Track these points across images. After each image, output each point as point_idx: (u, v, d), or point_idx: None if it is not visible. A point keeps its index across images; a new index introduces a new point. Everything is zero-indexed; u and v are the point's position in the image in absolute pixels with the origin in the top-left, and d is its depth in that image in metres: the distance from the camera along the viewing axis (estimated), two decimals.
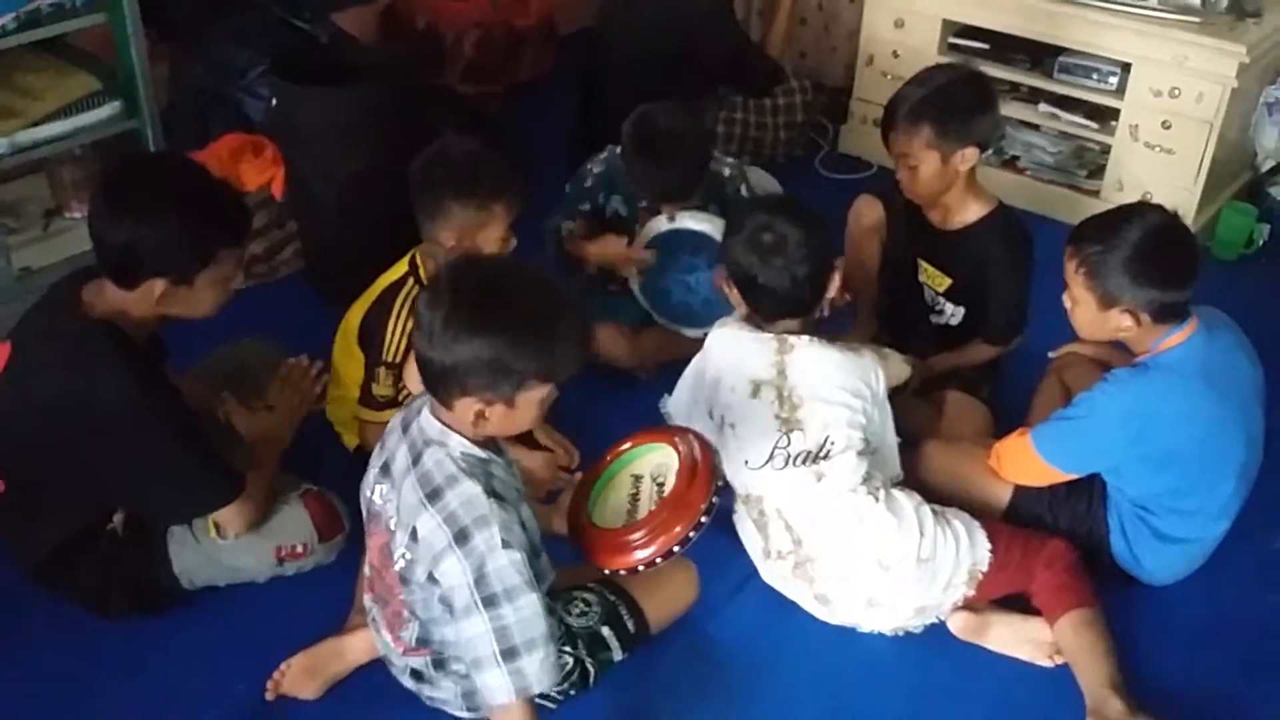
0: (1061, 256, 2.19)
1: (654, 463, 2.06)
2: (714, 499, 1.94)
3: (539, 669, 1.71)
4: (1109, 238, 2.09)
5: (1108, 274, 2.09)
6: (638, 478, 2.06)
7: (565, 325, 1.70)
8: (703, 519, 1.92)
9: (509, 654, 1.69)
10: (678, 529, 1.91)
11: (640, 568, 1.94)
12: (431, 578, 1.72)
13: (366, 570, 1.98)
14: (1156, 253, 2.08)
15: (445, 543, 1.69)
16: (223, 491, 2.09)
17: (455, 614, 1.71)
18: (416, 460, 1.77)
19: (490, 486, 1.73)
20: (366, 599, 2.00)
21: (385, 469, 1.84)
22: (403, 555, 1.77)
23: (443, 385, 1.70)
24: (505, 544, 1.69)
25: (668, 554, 1.92)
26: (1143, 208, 2.21)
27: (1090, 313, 2.15)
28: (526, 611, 1.70)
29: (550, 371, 1.70)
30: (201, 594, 2.20)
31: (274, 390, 2.29)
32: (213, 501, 2.09)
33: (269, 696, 2.04)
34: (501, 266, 1.88)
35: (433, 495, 1.72)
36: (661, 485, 2.01)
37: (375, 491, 1.85)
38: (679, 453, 2.00)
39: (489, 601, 1.68)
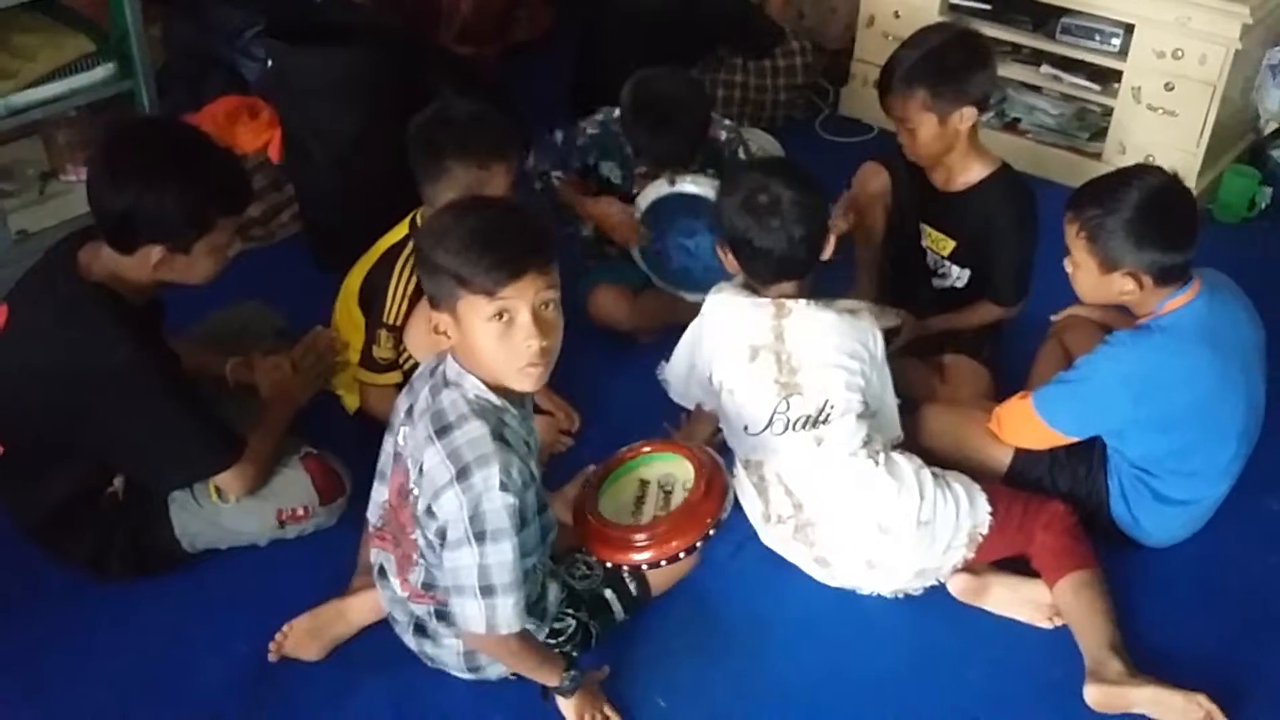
0: (1062, 219, 2.18)
1: (662, 471, 2.10)
2: (722, 516, 1.99)
3: (510, 612, 1.77)
4: (1109, 201, 2.08)
5: (1109, 237, 2.08)
6: (645, 482, 2.10)
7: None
8: (710, 531, 1.98)
9: (487, 590, 1.75)
10: (675, 542, 1.97)
11: (644, 567, 2.00)
12: (430, 511, 1.75)
13: (374, 520, 1.98)
14: (1157, 214, 2.07)
15: (448, 478, 1.72)
16: (221, 455, 2.09)
17: (446, 544, 1.75)
18: (435, 398, 1.79)
19: (499, 431, 1.75)
20: (374, 551, 2.00)
21: (410, 411, 1.85)
22: (413, 491, 1.79)
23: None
24: (503, 485, 1.71)
25: (657, 563, 1.99)
26: (1142, 170, 2.20)
27: (1092, 277, 2.14)
28: (507, 556, 1.74)
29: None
30: (203, 556, 2.20)
31: (298, 351, 2.32)
32: (211, 465, 2.09)
33: (272, 658, 2.05)
34: None
35: (441, 431, 1.74)
36: (669, 493, 2.06)
37: (400, 434, 1.86)
38: (695, 464, 2.04)
39: (479, 538, 1.73)
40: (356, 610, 2.08)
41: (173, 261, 1.98)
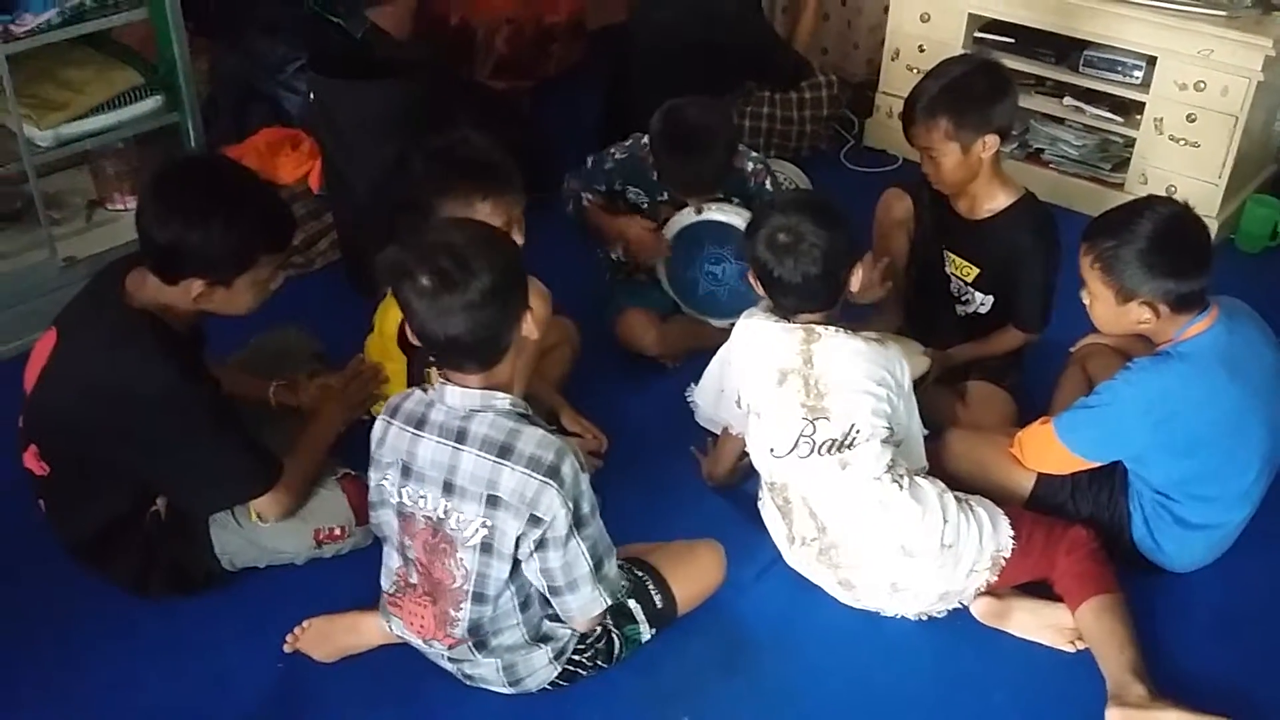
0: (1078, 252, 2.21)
1: None
2: None
3: (615, 572, 1.96)
4: (1122, 232, 2.11)
5: (1124, 267, 2.11)
6: None
7: None
8: None
9: (598, 565, 1.89)
10: None
11: None
12: (534, 519, 1.80)
13: (387, 586, 2.01)
14: (1170, 243, 2.10)
15: (538, 485, 1.79)
16: (259, 480, 2.13)
17: (548, 546, 1.83)
18: (462, 437, 1.83)
19: (544, 427, 1.86)
20: (398, 624, 2.02)
21: (405, 471, 1.88)
22: (482, 524, 1.83)
23: (490, 345, 1.82)
24: (581, 467, 1.85)
25: None
26: (1153, 200, 2.23)
27: (1109, 307, 2.17)
28: (599, 528, 1.90)
29: None
30: (241, 575, 2.25)
31: (343, 378, 2.39)
32: (248, 490, 2.13)
33: (286, 649, 2.12)
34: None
35: (504, 452, 1.80)
36: None
37: (403, 495, 1.90)
38: None
39: (581, 523, 1.85)
40: (370, 628, 2.11)
41: (213, 294, 2.02)
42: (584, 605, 1.91)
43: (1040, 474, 2.31)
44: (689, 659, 2.16)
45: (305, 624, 2.12)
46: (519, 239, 2.32)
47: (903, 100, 2.57)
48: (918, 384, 2.43)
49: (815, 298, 2.15)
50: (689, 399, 2.46)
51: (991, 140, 2.48)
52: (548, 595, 1.92)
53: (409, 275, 1.76)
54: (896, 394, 2.16)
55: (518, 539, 1.83)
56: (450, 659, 2.02)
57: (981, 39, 3.63)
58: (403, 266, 1.77)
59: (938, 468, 2.32)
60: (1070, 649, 2.17)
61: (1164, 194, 3.25)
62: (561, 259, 2.78)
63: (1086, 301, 2.23)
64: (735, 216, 2.74)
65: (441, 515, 1.86)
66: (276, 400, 2.39)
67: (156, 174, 2.06)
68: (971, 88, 2.46)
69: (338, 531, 2.25)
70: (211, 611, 2.22)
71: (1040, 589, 2.22)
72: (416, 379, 2.41)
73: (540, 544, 1.83)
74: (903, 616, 2.22)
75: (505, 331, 1.82)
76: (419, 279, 1.74)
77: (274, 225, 2.07)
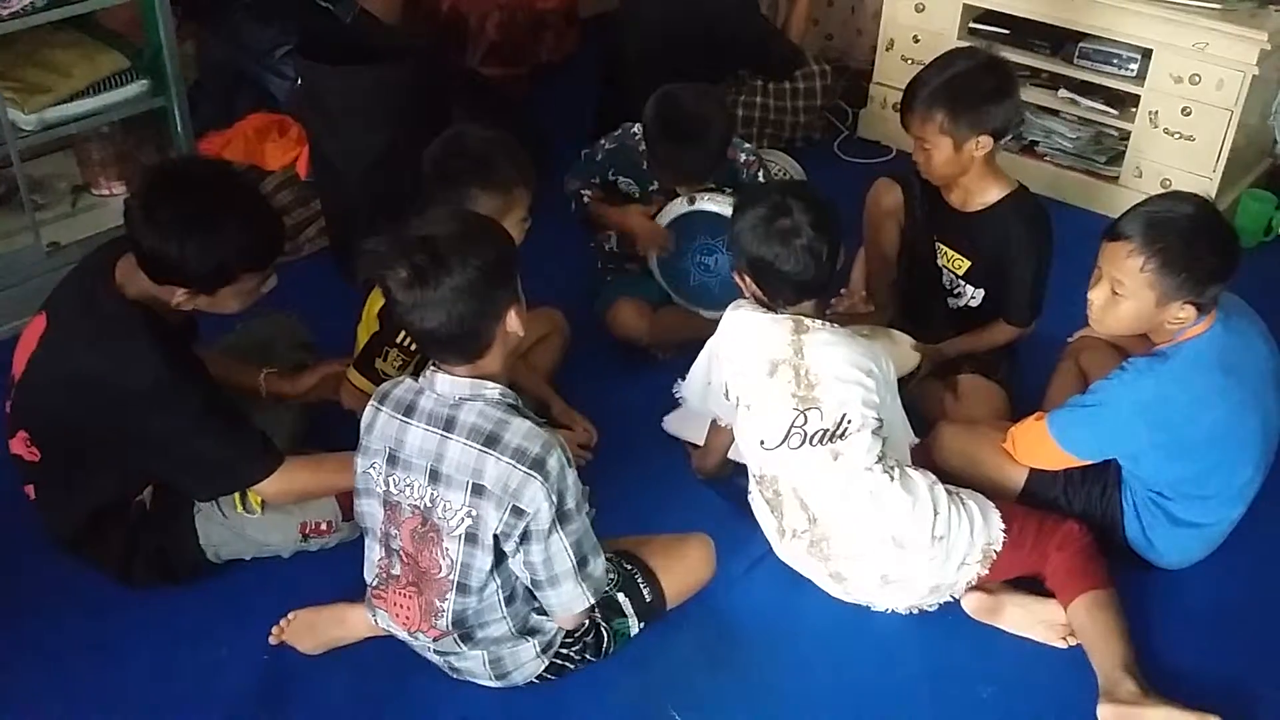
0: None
1: None
2: None
3: (601, 571, 1.93)
4: (1182, 233, 2.04)
5: (1183, 269, 2.03)
6: None
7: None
8: None
9: (582, 562, 1.88)
10: None
11: None
12: (516, 511, 1.79)
13: (370, 579, 2.00)
14: (1220, 244, 2.07)
15: (522, 476, 1.78)
16: (258, 466, 2.08)
17: (532, 539, 1.82)
18: (450, 425, 1.82)
19: (535, 420, 1.84)
20: (378, 614, 2.01)
21: (392, 459, 1.87)
22: (467, 514, 1.82)
23: (470, 339, 1.80)
24: (569, 461, 1.84)
25: None
26: (1188, 197, 2.17)
27: (1142, 307, 2.09)
28: (586, 523, 1.88)
29: None
30: (227, 567, 2.23)
31: (307, 385, 2.39)
32: (247, 477, 2.09)
33: (272, 641, 2.10)
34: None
35: (490, 441, 1.79)
36: None
37: (389, 483, 1.88)
38: None
39: (565, 518, 1.83)
40: (356, 620, 2.09)
41: (196, 299, 2.01)
42: (566, 601, 1.90)
43: (1032, 469, 2.29)
44: (677, 653, 2.15)
45: (291, 616, 2.10)
46: (516, 233, 2.30)
47: (896, 91, 2.56)
48: (909, 378, 2.42)
49: (821, 281, 2.14)
50: (676, 394, 2.45)
51: (985, 141, 2.46)
52: (531, 589, 1.91)
53: (387, 267, 1.75)
54: (884, 386, 2.16)
55: (500, 531, 1.81)
56: (436, 651, 2.00)
57: (976, 30, 3.62)
58: (381, 258, 1.76)
59: (929, 461, 2.30)
60: (1062, 645, 2.17)
61: (1159, 188, 3.28)
62: (553, 248, 2.77)
63: (1099, 301, 2.15)
64: (728, 207, 2.71)
65: (429, 504, 1.85)
66: (268, 389, 2.37)
67: (148, 177, 2.03)
68: (973, 86, 2.44)
69: (324, 526, 2.23)
70: (197, 603, 2.21)
71: (1032, 584, 2.21)
72: (373, 353, 2.37)
73: (524, 537, 1.82)
74: (893, 611, 2.21)
75: (485, 327, 1.80)
76: (396, 271, 1.74)
77: (257, 246, 2.02)
